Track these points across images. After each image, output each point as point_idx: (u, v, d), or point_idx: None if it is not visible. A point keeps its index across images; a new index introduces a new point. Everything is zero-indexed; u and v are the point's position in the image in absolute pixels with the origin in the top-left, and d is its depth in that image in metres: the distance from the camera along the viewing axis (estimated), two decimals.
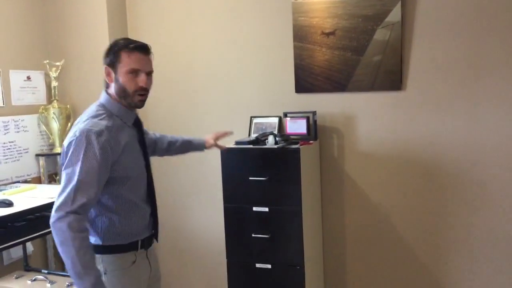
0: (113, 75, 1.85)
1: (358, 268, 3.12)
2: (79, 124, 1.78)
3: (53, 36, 3.48)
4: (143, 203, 1.94)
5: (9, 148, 3.16)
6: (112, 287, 1.84)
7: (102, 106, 1.88)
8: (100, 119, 1.80)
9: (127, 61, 1.81)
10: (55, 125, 3.36)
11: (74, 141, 1.72)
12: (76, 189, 1.68)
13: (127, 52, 1.81)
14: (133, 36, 3.50)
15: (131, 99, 1.85)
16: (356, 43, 2.90)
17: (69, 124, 3.44)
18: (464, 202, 2.83)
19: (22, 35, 3.31)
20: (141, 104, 1.89)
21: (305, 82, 3.05)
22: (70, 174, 1.70)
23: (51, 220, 1.69)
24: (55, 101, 3.39)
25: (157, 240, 2.07)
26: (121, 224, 1.86)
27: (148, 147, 2.09)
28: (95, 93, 3.33)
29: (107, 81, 1.88)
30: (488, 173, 2.77)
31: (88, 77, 3.41)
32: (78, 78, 3.45)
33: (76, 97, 3.47)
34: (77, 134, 1.73)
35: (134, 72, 1.82)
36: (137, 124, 1.97)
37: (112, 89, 1.87)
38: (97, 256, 1.84)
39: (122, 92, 1.84)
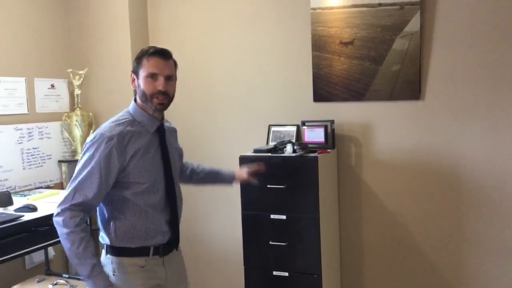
0: (136, 81, 1.91)
1: (376, 277, 3.11)
2: (100, 128, 1.87)
3: (77, 46, 3.57)
4: (155, 210, 1.91)
5: (33, 154, 3.24)
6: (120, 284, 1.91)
7: (128, 112, 1.95)
8: (118, 124, 1.86)
9: (146, 66, 1.86)
10: (77, 132, 3.44)
11: (88, 143, 1.82)
12: (76, 189, 1.78)
13: (147, 57, 1.87)
14: (153, 44, 3.55)
15: (150, 103, 1.88)
16: (374, 53, 2.91)
17: (91, 131, 3.51)
18: (482, 213, 2.81)
19: (47, 44, 3.40)
20: (161, 107, 1.90)
21: (323, 91, 3.07)
22: (76, 174, 1.80)
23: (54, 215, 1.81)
24: (77, 108, 3.47)
25: (176, 249, 2.04)
26: (129, 228, 1.88)
27: None
28: (117, 101, 3.46)
29: (132, 87, 1.95)
30: (508, 184, 2.74)
31: (110, 85, 3.49)
32: (100, 86, 3.53)
33: (98, 105, 3.55)
34: (92, 137, 1.83)
35: (153, 76, 1.86)
36: (160, 131, 1.97)
37: (137, 95, 1.93)
38: (108, 256, 1.91)
39: (143, 96, 1.89)
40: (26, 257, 3.14)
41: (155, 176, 1.91)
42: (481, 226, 2.82)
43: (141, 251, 1.90)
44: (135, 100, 1.95)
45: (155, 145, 1.94)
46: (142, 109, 1.92)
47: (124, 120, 1.89)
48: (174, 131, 2.17)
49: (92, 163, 1.78)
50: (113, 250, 1.91)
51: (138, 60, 1.89)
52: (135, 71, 1.91)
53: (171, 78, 1.91)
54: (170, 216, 1.98)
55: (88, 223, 2.89)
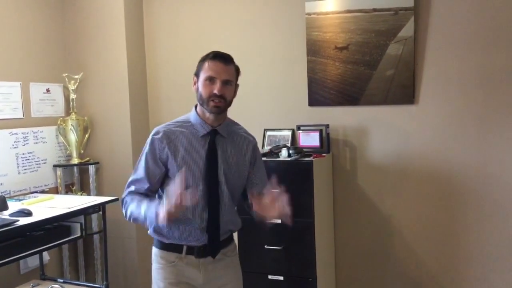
0: (197, 84, 1.93)
1: (371, 281, 3.12)
2: None
3: (72, 50, 3.57)
4: (189, 213, 1.89)
5: (28, 159, 3.24)
6: (152, 276, 2.01)
7: (189, 115, 2.01)
8: (172, 123, 1.98)
9: (206, 70, 1.89)
10: (72, 137, 3.43)
11: None
12: (131, 181, 1.99)
13: (208, 61, 1.90)
14: (149, 49, 3.58)
15: (206, 105, 1.89)
16: (369, 58, 2.93)
17: (86, 136, 3.51)
18: (476, 216, 2.83)
19: (42, 49, 3.40)
20: (216, 110, 1.89)
21: (318, 96, 3.09)
22: (135, 167, 1.99)
23: None
24: (73, 113, 3.46)
25: (212, 257, 1.96)
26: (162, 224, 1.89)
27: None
28: (112, 106, 3.47)
29: (193, 89, 1.97)
30: (500, 188, 2.76)
31: (105, 90, 3.49)
32: (96, 91, 3.53)
33: (93, 110, 3.55)
34: None
35: (211, 80, 1.87)
36: (212, 136, 1.94)
37: (196, 98, 1.95)
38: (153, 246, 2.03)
39: (200, 99, 1.91)
40: (21, 261, 3.12)
41: (192, 177, 1.89)
42: (475, 228, 2.84)
43: (174, 248, 1.95)
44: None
45: (202, 149, 1.93)
46: (198, 112, 1.97)
47: (180, 120, 1.99)
48: (244, 142, 2.04)
49: (144, 156, 1.96)
50: (153, 239, 2.01)
51: (200, 63, 1.93)
52: (197, 74, 1.93)
53: (229, 83, 1.91)
54: (207, 222, 1.93)
55: (84, 227, 2.90)
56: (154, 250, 2.01)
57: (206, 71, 1.88)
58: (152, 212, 1.79)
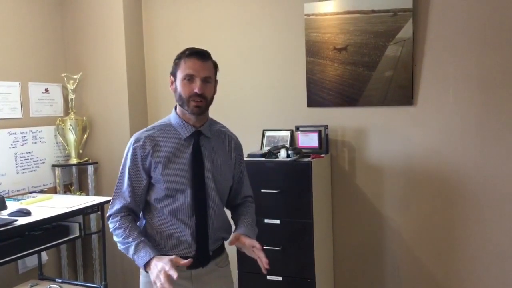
0: (174, 84, 1.86)
1: (369, 281, 3.12)
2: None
3: (71, 50, 3.57)
4: (178, 219, 1.84)
5: (26, 159, 3.24)
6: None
7: (168, 118, 1.93)
8: (151, 128, 1.89)
9: (183, 68, 1.80)
10: (71, 137, 3.43)
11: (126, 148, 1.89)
12: (115, 195, 1.88)
13: (184, 59, 1.81)
14: (148, 49, 3.58)
15: (187, 106, 1.81)
16: (367, 59, 2.94)
17: (85, 136, 3.51)
18: (475, 216, 2.83)
19: (41, 49, 3.40)
20: (198, 110, 1.82)
21: (317, 97, 3.09)
22: (117, 181, 1.90)
23: None
24: (72, 113, 3.47)
25: (202, 266, 1.89)
26: (153, 233, 1.87)
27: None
28: (111, 106, 3.47)
29: (171, 90, 1.89)
30: (500, 189, 2.77)
31: (104, 90, 3.50)
32: (95, 91, 3.53)
33: (92, 110, 3.55)
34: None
35: (190, 78, 1.79)
36: (195, 137, 1.88)
37: (175, 99, 1.87)
38: None
39: (180, 100, 1.83)
40: (19, 261, 3.13)
41: (178, 183, 1.83)
42: (473, 230, 2.85)
43: None
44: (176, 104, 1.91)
45: (186, 152, 1.86)
46: (178, 113, 1.89)
47: (160, 124, 1.90)
48: (227, 139, 2.01)
49: (124, 167, 1.87)
50: None
51: (176, 62, 1.84)
52: (173, 73, 1.85)
53: (208, 80, 1.82)
54: (196, 228, 1.85)
55: (82, 227, 2.90)
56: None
57: (183, 70, 1.80)
58: (142, 260, 1.73)
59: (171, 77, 1.87)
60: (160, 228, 1.86)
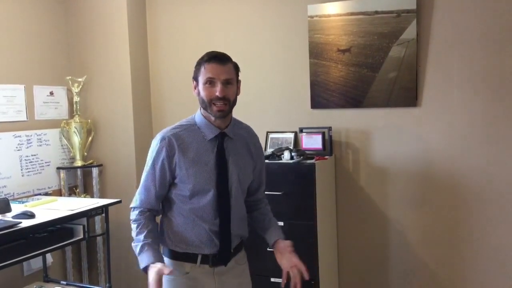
0: (197, 88, 1.88)
1: (374, 284, 3.11)
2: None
3: (76, 53, 3.59)
4: (201, 219, 1.87)
5: (31, 161, 3.25)
6: None
7: (193, 116, 1.95)
8: (177, 127, 1.90)
9: (204, 72, 1.83)
10: (76, 139, 3.45)
11: (151, 144, 1.91)
12: (140, 190, 1.91)
13: (205, 63, 1.83)
14: (152, 52, 3.59)
15: (210, 109, 1.83)
16: (371, 60, 2.93)
17: (90, 138, 3.53)
18: (480, 218, 2.82)
19: (46, 52, 3.42)
20: (220, 114, 1.83)
21: (320, 98, 3.09)
22: (143, 175, 1.91)
23: None
24: (76, 115, 3.48)
25: (224, 265, 1.91)
26: (176, 232, 1.89)
27: None
28: (116, 108, 3.48)
29: (194, 94, 1.91)
30: (505, 190, 2.75)
31: (108, 92, 3.51)
32: (99, 93, 3.54)
33: (97, 112, 3.56)
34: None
35: (211, 82, 1.81)
36: (220, 139, 1.89)
37: (199, 102, 1.89)
38: (164, 257, 1.90)
39: (203, 103, 1.85)
40: (24, 263, 3.14)
41: (202, 183, 1.85)
42: (479, 232, 2.83)
43: (188, 257, 1.88)
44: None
45: (211, 153, 1.87)
46: (203, 115, 1.90)
47: (185, 124, 1.91)
48: (249, 138, 2.03)
49: (151, 163, 1.88)
50: (165, 251, 1.94)
51: (197, 67, 1.87)
52: (195, 78, 1.88)
53: (230, 82, 1.84)
54: (219, 228, 1.88)
55: (86, 229, 2.91)
56: (165, 261, 1.89)
57: (204, 74, 1.82)
58: (142, 263, 1.79)
59: (194, 81, 1.90)
60: (182, 226, 1.88)
